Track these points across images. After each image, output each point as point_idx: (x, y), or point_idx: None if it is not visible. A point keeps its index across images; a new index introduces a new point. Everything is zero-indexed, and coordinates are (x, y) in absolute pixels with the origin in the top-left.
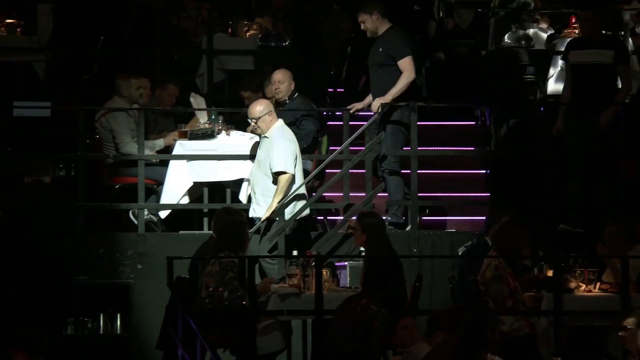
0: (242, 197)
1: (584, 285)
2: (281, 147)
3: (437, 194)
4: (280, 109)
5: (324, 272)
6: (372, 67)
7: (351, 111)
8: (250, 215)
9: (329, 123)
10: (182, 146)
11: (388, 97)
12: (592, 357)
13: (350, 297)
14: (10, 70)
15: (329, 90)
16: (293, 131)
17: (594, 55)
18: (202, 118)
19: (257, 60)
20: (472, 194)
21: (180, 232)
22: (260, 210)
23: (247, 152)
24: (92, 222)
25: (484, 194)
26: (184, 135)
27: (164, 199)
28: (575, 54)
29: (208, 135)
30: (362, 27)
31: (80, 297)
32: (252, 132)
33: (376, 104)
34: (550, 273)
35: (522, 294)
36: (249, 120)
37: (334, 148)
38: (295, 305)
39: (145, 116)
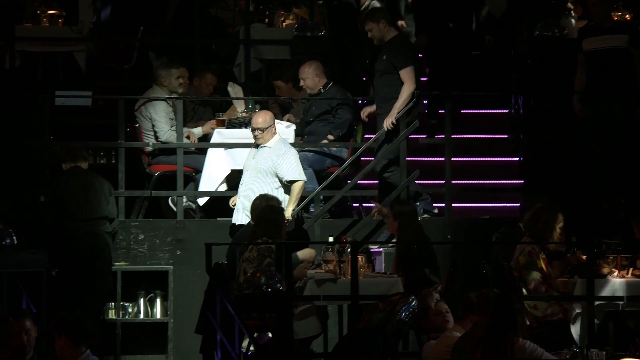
0: None
1: (616, 271)
2: (291, 155)
3: (471, 181)
4: (316, 98)
5: (360, 258)
6: (377, 74)
7: (363, 116)
8: (236, 222)
9: None
10: (220, 134)
11: (394, 113)
12: (625, 341)
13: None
14: (52, 61)
15: (364, 79)
16: (329, 120)
17: (607, 41)
18: (240, 107)
19: (293, 49)
20: (506, 181)
21: (219, 218)
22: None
23: (285, 139)
24: (132, 209)
25: (517, 181)
26: (222, 124)
27: (202, 186)
28: (589, 41)
29: (245, 123)
30: (369, 35)
31: (120, 282)
32: (254, 138)
33: (386, 123)
34: (583, 258)
35: (556, 279)
36: (253, 129)
37: (369, 136)
38: (331, 291)
39: (183, 105)
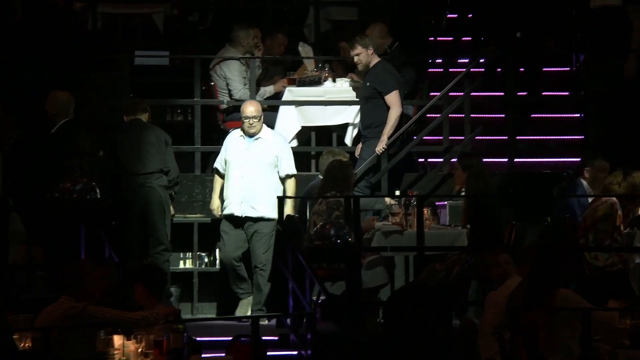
0: (348, 140)
1: None
2: (289, 150)
3: (533, 137)
4: (384, 57)
5: (425, 211)
6: (361, 101)
7: (377, 150)
8: (251, 215)
9: (429, 70)
10: (291, 92)
11: (384, 139)
12: None
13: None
14: (131, 22)
15: (430, 39)
16: (395, 78)
17: None
18: (310, 66)
19: (360, 11)
20: (567, 137)
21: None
22: (267, 209)
23: (352, 98)
24: (207, 164)
25: (578, 137)
26: (293, 83)
27: None
28: None
29: (315, 82)
30: (356, 59)
31: (197, 233)
32: (248, 127)
33: (378, 149)
34: None
35: (622, 233)
36: (247, 117)
37: (434, 94)
38: (397, 242)
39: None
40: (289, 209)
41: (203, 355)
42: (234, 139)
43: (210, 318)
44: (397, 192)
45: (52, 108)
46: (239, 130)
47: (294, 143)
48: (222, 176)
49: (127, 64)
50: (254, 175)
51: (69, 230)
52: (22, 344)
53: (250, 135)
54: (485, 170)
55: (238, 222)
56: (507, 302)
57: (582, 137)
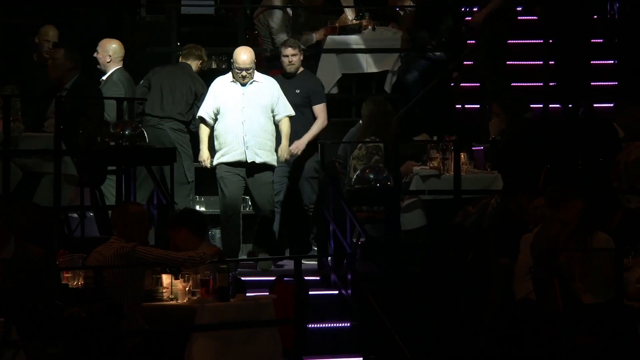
0: (387, 87)
1: None
2: (281, 91)
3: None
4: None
5: (462, 156)
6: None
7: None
8: (255, 161)
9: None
10: (332, 40)
11: (303, 142)
12: None
13: None
14: None
15: None
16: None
17: None
18: (350, 15)
19: None
20: (600, 83)
21: (331, 119)
22: (269, 155)
23: (392, 46)
24: None
25: (612, 83)
26: (334, 31)
27: None
28: None
29: (355, 30)
30: (288, 60)
31: None
32: (241, 79)
33: (293, 147)
34: None
35: None
36: (240, 69)
37: (470, 42)
38: (435, 186)
39: (299, 13)
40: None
41: (248, 294)
42: (223, 85)
43: (255, 259)
44: (435, 138)
45: (104, 55)
46: (226, 76)
47: (335, 90)
48: (209, 125)
49: (174, 12)
50: (254, 120)
51: (120, 173)
52: (74, 283)
53: (243, 82)
54: (521, 114)
55: (236, 169)
56: (536, 243)
57: (616, 83)
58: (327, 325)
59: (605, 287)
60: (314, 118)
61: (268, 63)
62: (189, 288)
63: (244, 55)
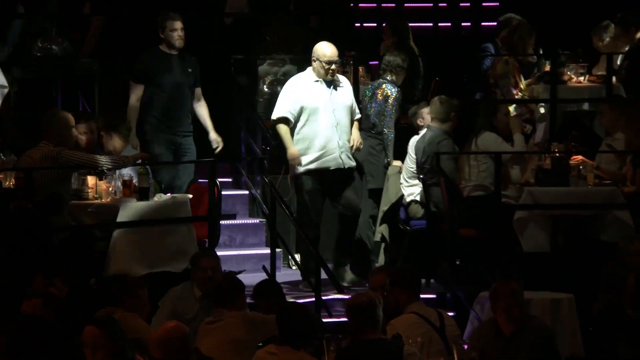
0: None
1: (575, 77)
2: None
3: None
4: None
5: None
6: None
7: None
8: (347, 165)
9: None
10: None
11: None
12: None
13: None
14: None
15: None
16: None
17: None
18: None
19: None
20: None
21: None
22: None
23: None
24: None
25: (494, 4)
26: None
27: None
28: None
29: None
30: (179, 33)
31: None
32: (331, 73)
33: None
34: (548, 68)
35: (525, 86)
36: (330, 62)
37: None
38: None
39: None
40: None
41: (167, 194)
42: (308, 84)
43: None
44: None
45: None
46: (305, 75)
47: None
48: (289, 125)
49: None
50: (344, 122)
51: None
52: (6, 183)
53: (328, 81)
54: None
55: (320, 179)
56: None
57: (498, 4)
58: (238, 221)
59: None
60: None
61: None
62: (112, 188)
63: (331, 47)
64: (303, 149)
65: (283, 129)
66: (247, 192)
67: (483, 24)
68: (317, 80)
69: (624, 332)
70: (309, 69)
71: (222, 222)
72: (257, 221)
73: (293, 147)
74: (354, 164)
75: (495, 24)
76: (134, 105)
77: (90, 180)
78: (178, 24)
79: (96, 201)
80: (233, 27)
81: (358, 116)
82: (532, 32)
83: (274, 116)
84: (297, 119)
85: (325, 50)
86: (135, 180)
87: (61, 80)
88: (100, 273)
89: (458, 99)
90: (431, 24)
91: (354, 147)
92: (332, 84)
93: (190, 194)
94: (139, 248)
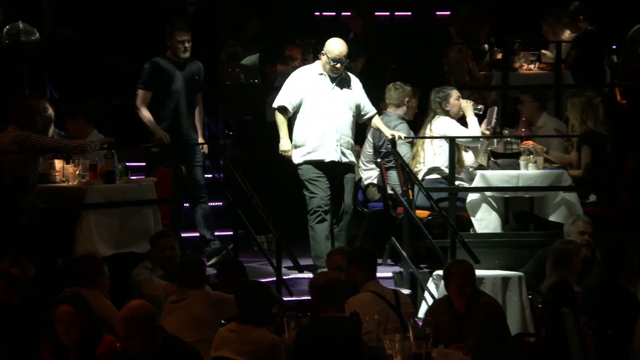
0: None
1: (525, 65)
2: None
3: None
4: None
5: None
6: (186, 92)
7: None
8: (343, 160)
9: None
10: None
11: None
12: None
13: None
14: None
15: None
16: None
17: None
18: None
19: None
20: None
21: None
22: (352, 155)
23: None
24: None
25: None
26: None
27: None
28: None
29: None
30: (185, 45)
31: None
32: (336, 70)
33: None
34: (499, 55)
35: (478, 73)
36: (336, 60)
37: None
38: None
39: None
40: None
41: (132, 177)
42: (311, 76)
43: (139, 146)
44: None
45: None
46: (310, 68)
47: None
48: (287, 116)
49: None
50: (345, 117)
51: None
52: None
53: (334, 76)
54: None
55: (322, 169)
56: None
57: None
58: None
59: None
60: None
61: None
62: (79, 172)
63: (342, 45)
64: (301, 140)
65: (280, 118)
66: (210, 175)
67: (438, 13)
68: (322, 74)
69: (571, 307)
70: (318, 61)
71: (185, 204)
72: (220, 203)
73: (285, 140)
74: (352, 160)
75: (449, 13)
76: (145, 113)
77: (58, 163)
78: (186, 36)
79: (64, 184)
80: (195, 15)
81: (373, 112)
82: (483, 21)
83: (274, 104)
84: (297, 109)
85: (334, 47)
86: (101, 164)
87: (28, 65)
88: (67, 254)
89: (412, 85)
90: (388, 13)
91: (396, 136)
92: (337, 79)
93: (156, 177)
94: (105, 229)
